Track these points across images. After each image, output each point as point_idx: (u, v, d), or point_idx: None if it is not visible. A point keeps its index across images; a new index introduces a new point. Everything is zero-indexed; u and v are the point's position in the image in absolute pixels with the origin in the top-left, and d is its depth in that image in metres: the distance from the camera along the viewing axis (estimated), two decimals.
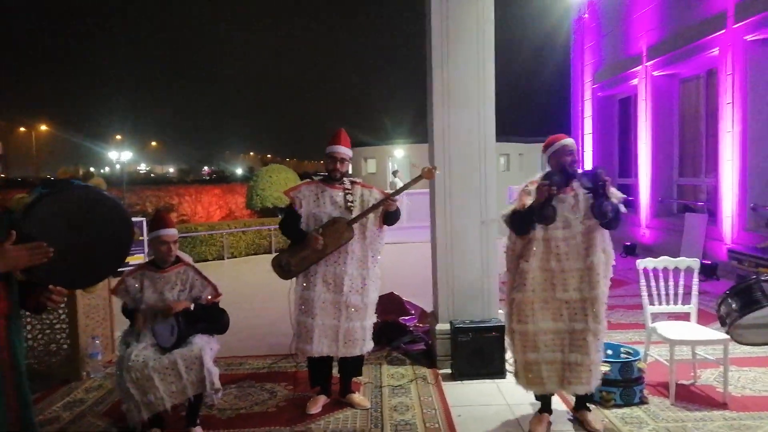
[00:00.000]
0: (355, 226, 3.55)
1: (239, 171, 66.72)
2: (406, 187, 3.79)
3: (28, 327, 4.33)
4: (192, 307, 3.34)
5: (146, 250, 9.43)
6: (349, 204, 3.58)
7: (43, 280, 2.03)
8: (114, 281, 3.58)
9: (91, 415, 3.71)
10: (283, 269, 3.60)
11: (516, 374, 3.27)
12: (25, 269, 1.93)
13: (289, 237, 3.68)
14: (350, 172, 3.86)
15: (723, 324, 2.51)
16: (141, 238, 9.53)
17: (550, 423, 3.30)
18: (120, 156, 24.28)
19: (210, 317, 3.41)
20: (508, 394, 3.80)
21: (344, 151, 3.62)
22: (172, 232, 3.39)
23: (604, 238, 3.13)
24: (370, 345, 3.68)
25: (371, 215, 3.58)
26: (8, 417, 1.99)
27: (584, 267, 3.09)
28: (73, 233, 2.03)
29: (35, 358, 4.37)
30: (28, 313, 2.87)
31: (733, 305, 2.40)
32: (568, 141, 3.20)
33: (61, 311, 4.42)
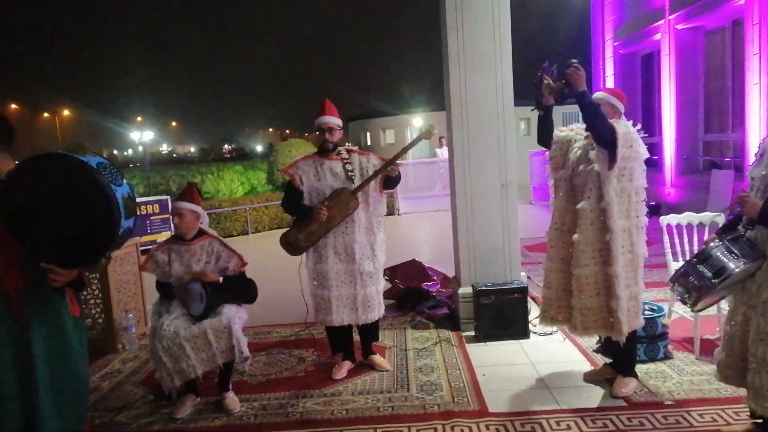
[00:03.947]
0: (359, 194, 3.56)
1: (259, 147, 66.97)
2: (405, 149, 3.75)
3: None
4: (221, 280, 3.42)
5: (172, 228, 9.63)
6: (349, 173, 3.58)
7: (31, 256, 1.89)
8: (143, 257, 3.68)
9: (129, 383, 3.87)
10: (291, 246, 3.62)
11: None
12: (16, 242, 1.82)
13: (293, 214, 3.70)
14: (369, 143, 3.84)
15: (688, 293, 2.50)
16: (167, 215, 9.74)
17: (610, 378, 3.29)
18: (142, 137, 24.56)
19: (238, 287, 3.50)
20: (531, 354, 3.85)
21: (331, 120, 3.59)
22: (178, 205, 3.44)
23: (601, 182, 2.97)
24: (382, 308, 3.76)
25: (372, 182, 3.57)
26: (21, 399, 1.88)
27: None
28: (47, 202, 1.83)
29: None
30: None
31: (706, 272, 2.39)
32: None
33: (94, 287, 4.57)
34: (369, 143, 27.70)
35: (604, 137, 2.95)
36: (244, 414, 3.27)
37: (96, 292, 4.58)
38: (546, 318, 3.30)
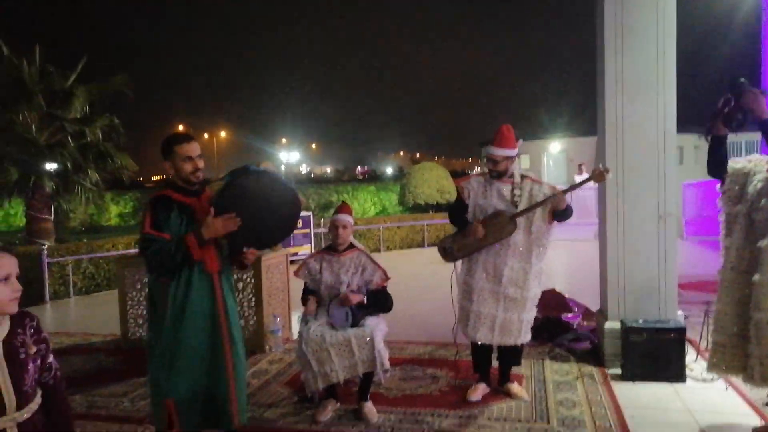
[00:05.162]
0: (520, 219, 3.52)
1: (389, 170, 68.86)
2: (575, 186, 3.74)
3: None
4: (365, 301, 3.58)
5: (312, 241, 10.22)
6: (515, 198, 3.57)
7: (239, 245, 2.72)
8: (294, 266, 3.96)
9: (276, 383, 4.14)
10: (446, 252, 3.73)
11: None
12: (224, 236, 2.59)
13: (454, 224, 3.79)
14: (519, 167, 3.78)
15: None
16: (307, 231, 10.35)
17: None
18: (288, 157, 26.53)
19: (379, 300, 3.63)
20: (688, 400, 3.52)
21: (496, 152, 3.57)
22: (341, 218, 3.67)
23: None
24: (527, 337, 3.66)
25: (539, 210, 3.52)
26: (225, 360, 2.67)
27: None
28: (255, 206, 2.61)
29: None
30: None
31: None
32: None
33: (248, 292, 4.98)
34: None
35: None
36: (381, 425, 3.35)
37: (250, 297, 4.99)
38: (717, 365, 2.98)
